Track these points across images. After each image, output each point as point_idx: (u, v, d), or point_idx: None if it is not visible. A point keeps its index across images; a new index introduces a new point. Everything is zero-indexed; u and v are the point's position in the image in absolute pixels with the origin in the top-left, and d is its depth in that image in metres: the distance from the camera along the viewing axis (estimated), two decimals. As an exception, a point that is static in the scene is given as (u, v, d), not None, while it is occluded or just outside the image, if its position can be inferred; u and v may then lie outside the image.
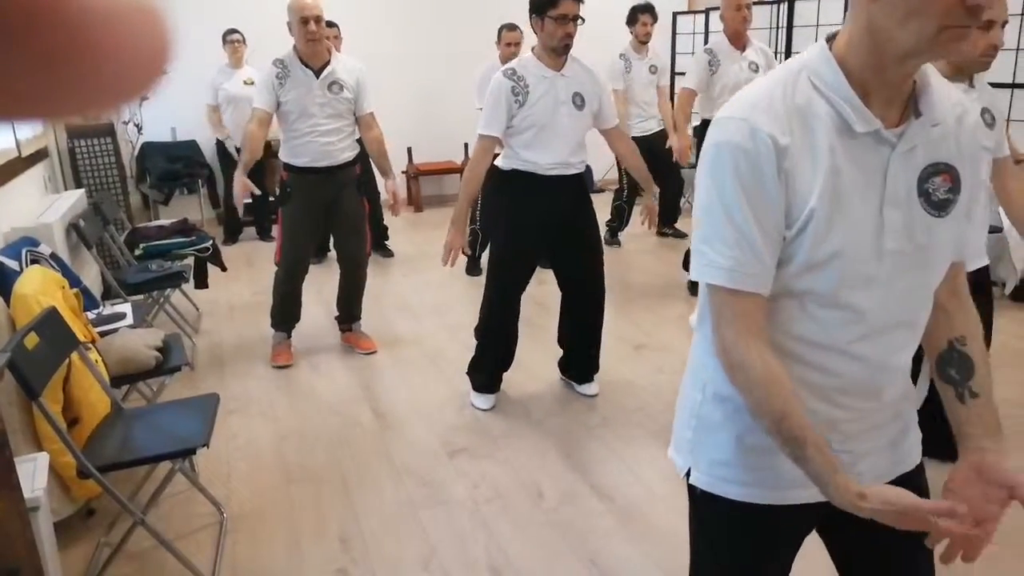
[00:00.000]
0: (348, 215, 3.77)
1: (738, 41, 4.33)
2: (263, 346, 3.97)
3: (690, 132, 4.82)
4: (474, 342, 3.38)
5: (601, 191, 6.85)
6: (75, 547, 2.41)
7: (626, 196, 5.65)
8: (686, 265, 4.59)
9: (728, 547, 1.25)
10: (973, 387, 1.12)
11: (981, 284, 2.45)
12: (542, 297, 4.31)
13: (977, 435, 1.09)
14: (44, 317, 2.26)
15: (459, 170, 6.81)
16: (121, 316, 3.25)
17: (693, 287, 4.49)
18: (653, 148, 5.01)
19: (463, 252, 3.26)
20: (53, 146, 4.75)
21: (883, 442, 1.17)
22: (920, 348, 1.16)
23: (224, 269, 4.66)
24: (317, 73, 3.52)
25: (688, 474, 1.23)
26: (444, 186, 7.48)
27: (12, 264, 2.91)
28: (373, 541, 2.43)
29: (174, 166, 6.26)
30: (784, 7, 6.26)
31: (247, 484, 2.77)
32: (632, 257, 5.62)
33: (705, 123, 4.63)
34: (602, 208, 4.51)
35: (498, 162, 3.17)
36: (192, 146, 6.52)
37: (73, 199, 4.10)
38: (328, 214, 3.74)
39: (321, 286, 4.65)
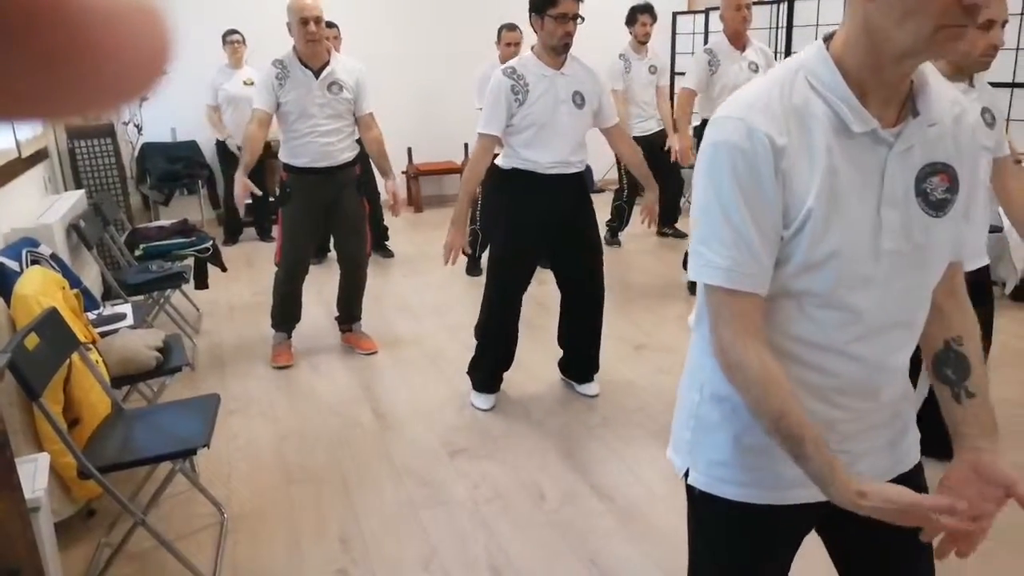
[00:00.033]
0: (348, 215, 3.77)
1: (738, 41, 4.33)
2: (263, 346, 3.97)
3: (690, 132, 4.82)
4: (474, 342, 3.38)
5: (601, 191, 6.84)
6: (76, 548, 2.41)
7: (626, 196, 5.65)
8: (686, 265, 4.58)
9: (726, 547, 1.25)
10: (969, 387, 1.12)
11: (981, 284, 2.45)
12: (542, 297, 4.31)
13: (973, 435, 1.10)
14: (44, 318, 2.26)
15: (459, 170, 6.81)
16: (121, 317, 3.26)
17: (693, 287, 4.48)
18: (653, 148, 5.01)
19: (463, 252, 3.26)
20: (53, 147, 4.76)
21: (881, 442, 1.17)
22: (919, 348, 1.17)
23: (224, 270, 4.66)
24: (316, 74, 3.53)
25: (686, 474, 1.23)
26: (444, 186, 7.48)
27: (12, 265, 2.91)
28: (373, 541, 2.43)
29: (174, 167, 6.27)
30: (784, 7, 6.26)
31: (247, 484, 2.77)
32: (632, 257, 5.62)
33: (705, 123, 4.63)
34: (602, 208, 4.51)
35: (498, 161, 3.18)
36: (192, 147, 6.52)
37: (73, 200, 4.10)
38: (328, 214, 3.74)
39: (321, 286, 4.65)
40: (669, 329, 4.14)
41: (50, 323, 2.27)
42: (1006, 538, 1.26)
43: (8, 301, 2.52)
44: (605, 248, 3.39)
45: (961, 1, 0.89)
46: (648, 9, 5.29)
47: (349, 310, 4.01)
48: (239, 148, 4.64)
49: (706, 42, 6.43)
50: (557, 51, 2.96)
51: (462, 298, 4.75)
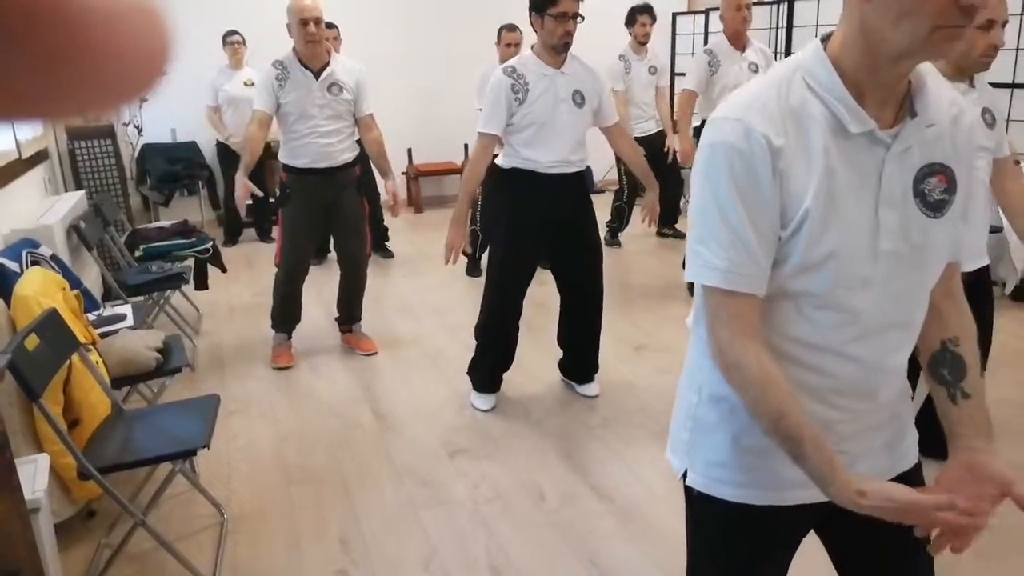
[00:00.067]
0: (348, 216, 3.77)
1: (738, 42, 4.33)
2: (263, 347, 3.97)
3: (691, 133, 4.82)
4: (474, 342, 3.38)
5: (601, 191, 6.84)
6: (76, 548, 2.41)
7: (626, 197, 5.65)
8: (686, 265, 4.58)
9: (725, 548, 1.25)
10: (965, 388, 1.12)
11: (982, 284, 2.45)
12: (542, 298, 4.31)
13: (968, 435, 1.10)
14: (44, 318, 2.26)
15: (459, 171, 6.81)
16: (121, 317, 3.26)
17: (693, 288, 4.48)
18: (652, 149, 5.01)
19: (463, 252, 3.25)
20: (53, 148, 4.76)
21: (879, 443, 1.17)
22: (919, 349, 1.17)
23: (224, 270, 4.66)
24: (316, 75, 3.53)
25: (685, 475, 1.23)
26: (444, 187, 7.48)
27: (12, 266, 2.91)
28: (373, 542, 2.43)
29: (174, 167, 6.27)
30: (784, 7, 6.26)
31: (247, 485, 2.78)
32: (632, 258, 5.62)
33: (705, 124, 4.63)
34: (602, 208, 4.51)
35: (498, 160, 3.18)
36: (192, 147, 6.52)
37: (73, 201, 4.10)
38: (328, 215, 3.74)
39: (321, 287, 4.65)
40: (669, 329, 4.14)
41: (50, 324, 2.27)
42: (1003, 537, 1.26)
43: (8, 302, 2.52)
44: (605, 249, 3.39)
45: (958, 2, 0.89)
46: (648, 10, 5.29)
47: (349, 311, 4.02)
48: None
49: (706, 43, 6.44)
50: (557, 50, 2.96)
51: (462, 298, 4.75)
